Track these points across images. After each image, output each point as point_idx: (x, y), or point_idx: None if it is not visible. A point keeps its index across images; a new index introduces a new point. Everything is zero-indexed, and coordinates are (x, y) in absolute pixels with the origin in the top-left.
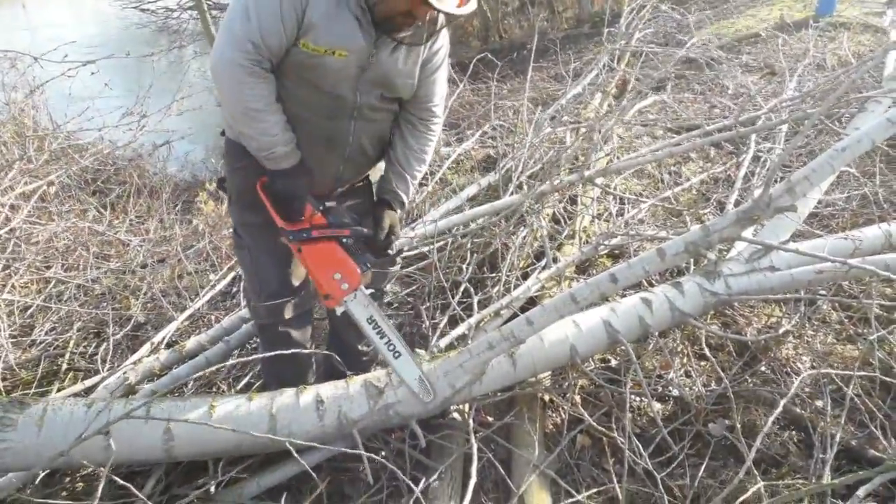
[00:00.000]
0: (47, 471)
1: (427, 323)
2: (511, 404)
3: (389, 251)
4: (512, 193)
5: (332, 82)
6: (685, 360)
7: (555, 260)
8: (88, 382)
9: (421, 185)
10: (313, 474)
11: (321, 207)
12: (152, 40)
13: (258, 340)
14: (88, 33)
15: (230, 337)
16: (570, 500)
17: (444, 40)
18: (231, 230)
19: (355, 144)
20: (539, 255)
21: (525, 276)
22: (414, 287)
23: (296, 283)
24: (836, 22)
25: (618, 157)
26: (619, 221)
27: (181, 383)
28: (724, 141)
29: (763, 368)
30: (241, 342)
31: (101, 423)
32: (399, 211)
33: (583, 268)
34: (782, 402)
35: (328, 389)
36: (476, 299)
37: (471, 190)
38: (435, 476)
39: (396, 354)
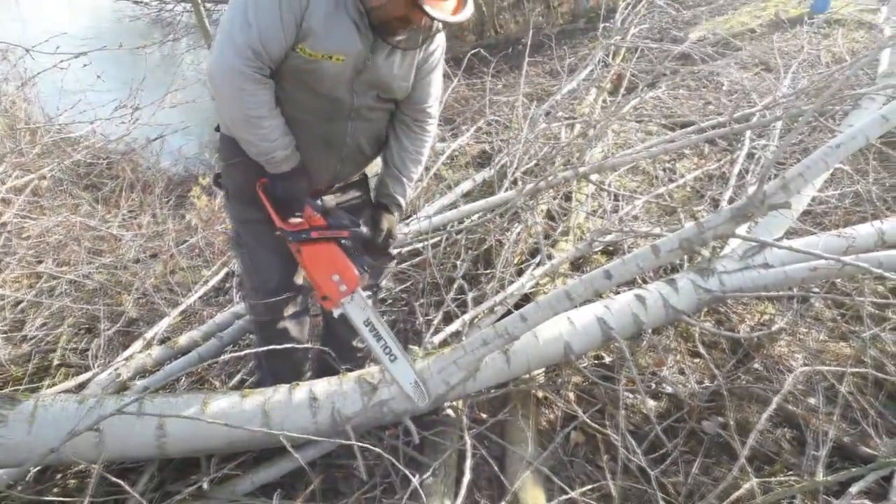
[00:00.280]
0: (39, 468)
1: (421, 319)
2: (505, 401)
3: (387, 254)
4: (507, 189)
5: (329, 85)
6: (679, 358)
7: (549, 256)
8: (80, 378)
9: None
10: (308, 469)
11: (321, 208)
12: (146, 32)
13: (253, 337)
14: (81, 25)
15: (223, 333)
16: (564, 497)
17: (439, 41)
18: (227, 226)
19: (353, 145)
20: (533, 252)
21: (519, 273)
22: (408, 283)
23: (299, 280)
24: (831, 19)
25: (612, 154)
26: (613, 218)
27: (174, 379)
28: (718, 138)
29: (756, 366)
30: (235, 338)
31: (93, 420)
32: (396, 214)
33: (577, 264)
34: (775, 400)
35: (322, 386)
36: (470, 296)
37: (465, 186)
38: (429, 472)
39: (392, 358)
